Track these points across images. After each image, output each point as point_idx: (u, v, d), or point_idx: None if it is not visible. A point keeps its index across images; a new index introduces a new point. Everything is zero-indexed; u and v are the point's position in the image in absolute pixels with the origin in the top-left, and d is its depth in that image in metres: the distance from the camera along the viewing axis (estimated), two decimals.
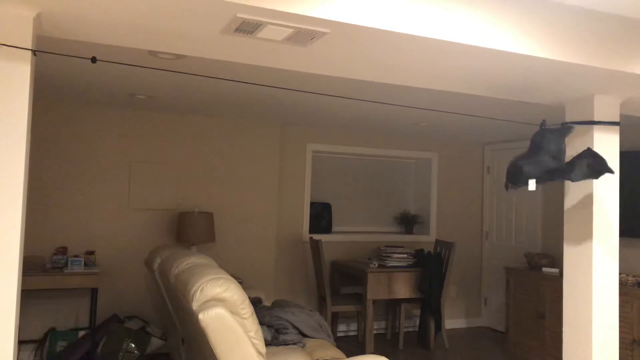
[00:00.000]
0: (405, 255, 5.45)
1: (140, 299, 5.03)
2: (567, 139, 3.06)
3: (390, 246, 5.65)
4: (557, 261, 5.47)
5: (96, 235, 4.91)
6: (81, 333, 4.59)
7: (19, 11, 2.01)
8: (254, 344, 2.52)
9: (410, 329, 6.26)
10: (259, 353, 2.54)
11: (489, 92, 3.16)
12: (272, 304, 4.24)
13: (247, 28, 2.14)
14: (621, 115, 3.31)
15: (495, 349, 5.61)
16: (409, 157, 6.47)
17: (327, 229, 6.09)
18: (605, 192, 3.09)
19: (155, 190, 5.13)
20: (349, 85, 3.72)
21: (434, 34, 2.19)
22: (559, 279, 4.92)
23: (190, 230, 4.82)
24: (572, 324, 3.16)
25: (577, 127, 3.17)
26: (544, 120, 2.90)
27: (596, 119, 3.07)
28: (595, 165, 2.77)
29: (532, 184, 2.85)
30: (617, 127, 3.13)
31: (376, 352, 5.33)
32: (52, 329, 4.60)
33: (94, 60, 2.37)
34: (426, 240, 6.44)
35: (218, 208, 5.37)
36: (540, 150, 2.84)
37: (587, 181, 3.09)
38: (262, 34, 2.20)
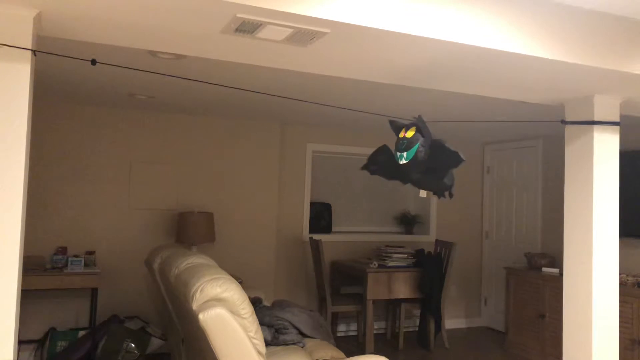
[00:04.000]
0: (405, 255, 5.45)
1: (140, 299, 5.03)
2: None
3: (390, 246, 5.65)
4: (557, 261, 5.47)
5: (96, 235, 4.91)
6: (81, 333, 4.59)
7: (19, 11, 2.00)
8: (254, 344, 2.52)
9: (410, 329, 6.26)
10: (259, 353, 2.54)
11: (490, 92, 3.16)
12: (272, 304, 4.24)
13: (247, 28, 2.14)
14: (621, 115, 3.30)
15: (495, 349, 5.61)
16: None
17: (327, 229, 6.08)
18: (605, 192, 3.09)
19: (155, 190, 5.13)
20: (348, 85, 3.72)
21: (433, 34, 2.19)
22: (559, 279, 4.91)
23: (190, 230, 4.82)
24: (572, 324, 3.16)
25: (577, 127, 3.17)
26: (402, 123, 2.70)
27: (596, 119, 3.07)
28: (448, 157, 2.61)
29: (422, 193, 2.78)
30: (617, 127, 3.13)
31: (376, 352, 5.32)
32: (52, 329, 4.60)
33: (93, 62, 2.37)
34: (426, 240, 6.44)
35: (218, 208, 5.37)
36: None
37: (588, 181, 3.08)
38: (262, 34, 2.20)
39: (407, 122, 2.65)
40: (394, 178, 2.80)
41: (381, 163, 2.84)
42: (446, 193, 2.74)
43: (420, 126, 2.58)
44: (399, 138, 2.61)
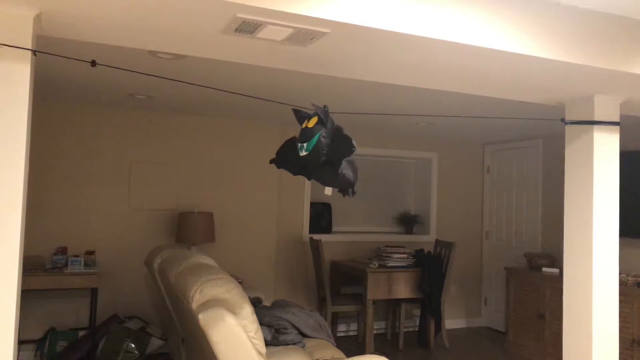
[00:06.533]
0: (405, 255, 5.45)
1: (140, 299, 5.03)
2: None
3: (390, 246, 5.65)
4: (557, 261, 5.47)
5: (96, 235, 4.91)
6: (81, 333, 4.59)
7: (19, 11, 2.00)
8: (254, 344, 2.52)
9: (410, 329, 6.26)
10: (259, 353, 2.54)
11: (490, 92, 3.16)
12: (272, 304, 4.24)
13: (247, 28, 2.14)
14: (621, 115, 3.31)
15: (495, 349, 5.61)
16: (409, 157, 6.47)
17: (327, 229, 6.09)
18: (605, 192, 3.09)
19: (155, 190, 5.13)
20: (348, 85, 3.72)
21: (433, 34, 2.19)
22: (559, 279, 4.91)
23: (190, 230, 4.82)
24: (572, 324, 3.16)
25: (577, 127, 3.17)
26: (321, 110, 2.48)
27: (596, 119, 3.07)
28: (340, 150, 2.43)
29: (328, 190, 2.60)
30: (617, 127, 3.13)
31: (376, 352, 5.32)
32: (52, 329, 4.60)
33: (93, 64, 2.37)
34: (426, 240, 6.43)
35: (218, 208, 5.37)
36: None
37: (588, 181, 3.09)
38: (262, 34, 2.20)
39: (311, 112, 2.51)
40: (300, 173, 2.64)
41: (287, 157, 2.64)
42: (350, 190, 2.56)
43: (321, 116, 2.44)
44: (301, 129, 2.47)
